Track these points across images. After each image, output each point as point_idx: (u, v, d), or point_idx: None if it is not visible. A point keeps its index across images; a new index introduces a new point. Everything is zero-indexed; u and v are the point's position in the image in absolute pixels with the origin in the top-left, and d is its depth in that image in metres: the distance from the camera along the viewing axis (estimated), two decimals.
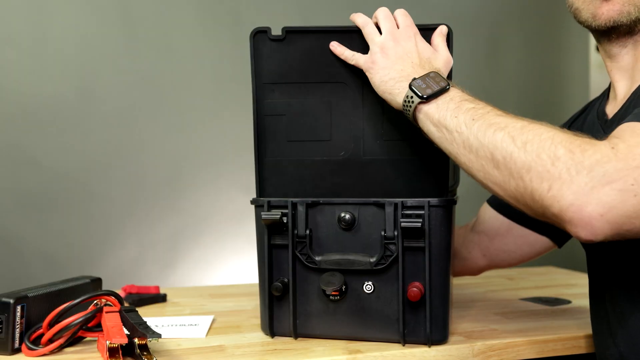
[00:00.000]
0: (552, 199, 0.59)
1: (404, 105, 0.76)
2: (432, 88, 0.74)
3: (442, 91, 0.74)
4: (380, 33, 0.82)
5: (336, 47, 0.85)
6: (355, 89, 0.86)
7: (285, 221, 0.85)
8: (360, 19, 0.85)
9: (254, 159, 0.87)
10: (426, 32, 0.85)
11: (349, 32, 0.86)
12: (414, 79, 0.75)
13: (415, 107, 0.75)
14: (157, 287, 1.19)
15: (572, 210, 0.58)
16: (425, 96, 0.73)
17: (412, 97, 0.74)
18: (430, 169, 0.86)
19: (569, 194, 0.58)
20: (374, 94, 0.82)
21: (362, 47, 0.85)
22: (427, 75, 0.75)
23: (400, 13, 0.84)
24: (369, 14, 0.88)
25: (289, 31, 0.86)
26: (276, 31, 0.87)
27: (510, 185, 0.64)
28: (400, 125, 0.85)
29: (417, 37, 0.82)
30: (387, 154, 0.86)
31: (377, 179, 0.86)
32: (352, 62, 0.84)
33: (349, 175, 0.86)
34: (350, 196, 0.85)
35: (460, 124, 0.70)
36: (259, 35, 0.87)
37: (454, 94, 0.74)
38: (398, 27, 0.83)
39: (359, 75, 0.85)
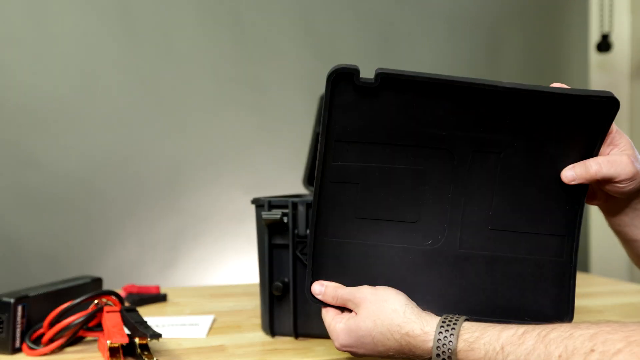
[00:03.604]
0: None
1: None
2: None
3: None
4: None
5: None
6: (462, 159, 0.64)
7: (285, 221, 0.85)
8: None
9: (309, 237, 0.66)
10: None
11: (459, 87, 0.61)
12: None
13: None
14: (158, 287, 1.20)
15: None
16: None
17: None
18: (551, 276, 0.66)
19: None
20: (484, 169, 0.64)
21: (474, 109, 0.62)
22: None
23: None
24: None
25: (384, 77, 0.60)
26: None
27: None
28: (514, 212, 0.65)
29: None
30: (492, 247, 0.65)
31: (473, 281, 0.65)
32: None
33: (434, 272, 0.65)
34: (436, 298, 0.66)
35: None
36: (342, 80, 0.60)
37: None
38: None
39: (471, 142, 0.63)
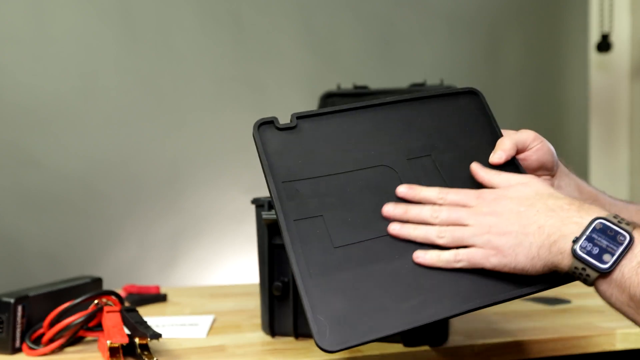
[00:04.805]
0: None
1: (574, 277, 0.57)
2: (610, 251, 0.53)
3: (626, 250, 0.53)
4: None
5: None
6: (402, 169, 0.69)
7: None
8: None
9: (297, 281, 0.61)
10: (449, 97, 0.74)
11: (369, 108, 0.72)
12: (575, 240, 0.54)
13: (595, 281, 0.55)
14: (158, 287, 1.19)
15: None
16: (607, 268, 0.53)
17: (584, 269, 0.54)
18: None
19: None
20: (425, 170, 0.70)
21: (385, 123, 0.72)
22: (590, 228, 0.54)
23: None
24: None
25: (300, 118, 0.69)
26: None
27: None
28: (463, 170, 0.70)
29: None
30: None
31: None
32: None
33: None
34: None
35: None
36: (264, 127, 0.68)
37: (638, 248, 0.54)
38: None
39: (400, 153, 0.70)
